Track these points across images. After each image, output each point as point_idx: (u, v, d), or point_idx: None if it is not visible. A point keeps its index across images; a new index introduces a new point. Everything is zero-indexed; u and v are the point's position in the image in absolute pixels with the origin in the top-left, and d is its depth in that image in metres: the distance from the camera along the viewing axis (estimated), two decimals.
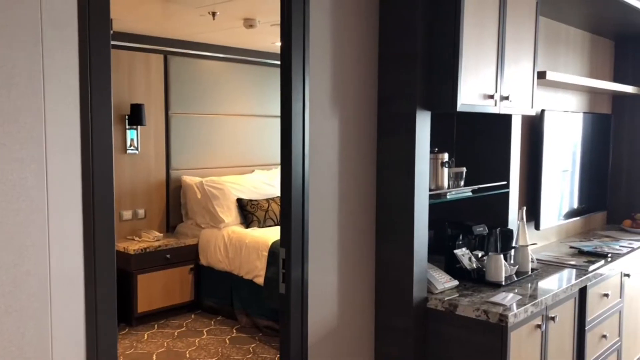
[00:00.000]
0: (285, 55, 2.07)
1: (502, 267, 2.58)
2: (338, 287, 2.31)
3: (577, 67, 3.81)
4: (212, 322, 4.70)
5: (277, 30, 2.07)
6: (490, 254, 2.61)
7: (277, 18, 2.09)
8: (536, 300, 2.37)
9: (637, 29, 3.84)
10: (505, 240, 2.85)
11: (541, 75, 2.93)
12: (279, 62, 2.20)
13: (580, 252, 3.27)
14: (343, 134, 2.28)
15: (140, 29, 4.68)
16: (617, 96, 4.33)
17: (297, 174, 2.12)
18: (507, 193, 2.90)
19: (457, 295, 2.41)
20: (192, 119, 5.29)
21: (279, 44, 2.47)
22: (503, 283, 2.56)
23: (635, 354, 3.53)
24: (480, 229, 2.71)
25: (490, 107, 2.48)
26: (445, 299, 2.36)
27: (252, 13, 4.06)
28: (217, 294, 4.82)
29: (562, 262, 3.02)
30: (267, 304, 4.35)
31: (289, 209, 2.11)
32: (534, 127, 3.31)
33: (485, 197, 2.85)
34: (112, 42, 4.43)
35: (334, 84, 2.23)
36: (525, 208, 2.90)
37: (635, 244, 3.54)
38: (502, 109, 2.55)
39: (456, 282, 2.53)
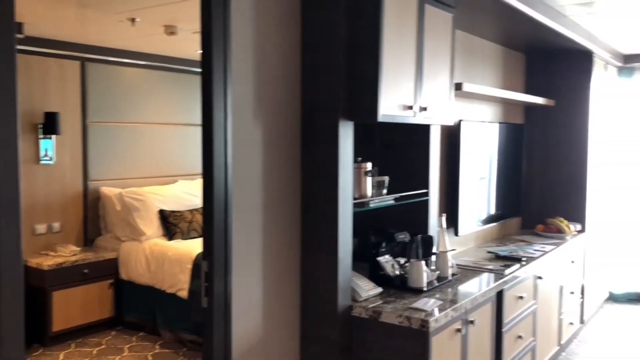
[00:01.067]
0: (206, 63, 2.03)
1: (423, 273, 2.64)
2: (263, 299, 2.28)
3: (492, 79, 3.99)
4: (134, 339, 4.52)
5: (199, 37, 2.03)
6: (412, 260, 2.67)
7: (198, 25, 2.05)
8: (456, 305, 2.44)
9: (546, 43, 4.07)
10: (426, 247, 2.92)
11: (458, 86, 3.04)
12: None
13: (497, 257, 3.41)
14: (267, 143, 2.27)
15: (55, 35, 4.47)
16: (529, 107, 4.57)
17: (220, 185, 2.08)
18: (428, 201, 2.98)
19: (381, 302, 2.44)
20: (111, 127, 5.10)
21: None
22: (425, 289, 2.62)
23: (548, 353, 3.71)
24: (403, 236, 2.77)
25: (410, 118, 2.54)
26: (370, 306, 2.39)
27: (173, 20, 3.97)
28: (139, 309, 4.65)
29: (480, 266, 3.13)
30: (190, 318, 4.23)
31: (211, 220, 2.07)
32: (451, 136, 3.42)
33: (407, 204, 2.91)
34: (23, 48, 4.21)
35: (257, 92, 2.21)
36: (445, 215, 2.99)
37: (547, 247, 3.73)
38: (421, 119, 2.62)
39: (380, 289, 2.56)
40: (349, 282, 2.41)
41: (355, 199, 2.58)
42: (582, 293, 4.39)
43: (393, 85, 2.40)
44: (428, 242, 2.92)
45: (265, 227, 2.27)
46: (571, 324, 4.12)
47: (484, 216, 3.81)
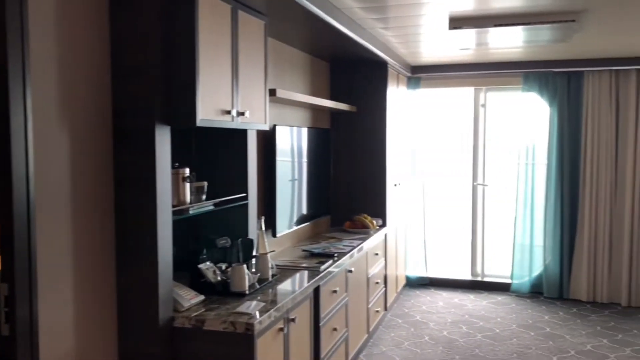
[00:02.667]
0: (1, 65, 1.81)
1: (245, 277, 2.66)
2: (76, 320, 2.10)
3: (301, 86, 4.17)
4: None
5: None
6: (233, 265, 2.68)
7: None
8: (278, 305, 2.51)
9: (347, 53, 4.37)
10: (247, 250, 2.95)
11: (272, 92, 3.12)
12: None
13: (312, 254, 3.57)
14: (75, 150, 2.09)
15: None
16: (334, 112, 4.87)
17: (20, 197, 1.86)
18: (247, 204, 3.01)
19: (204, 310, 2.41)
20: None
21: None
22: (247, 292, 2.65)
23: (359, 341, 3.99)
24: (224, 241, 2.76)
25: (228, 122, 2.55)
26: (192, 315, 2.34)
27: None
28: None
29: (297, 265, 3.26)
30: None
31: (11, 238, 1.84)
32: (267, 140, 3.50)
33: (227, 209, 2.91)
34: None
35: (62, 94, 2.02)
36: (263, 218, 3.05)
37: (355, 242, 4.01)
38: (239, 124, 2.64)
39: (202, 297, 2.52)
40: (170, 293, 2.33)
41: (174, 206, 2.52)
42: (385, 282, 4.80)
43: (210, 89, 2.38)
44: (248, 245, 2.96)
45: (75, 241, 2.09)
46: (377, 311, 4.48)
47: (298, 216, 3.96)
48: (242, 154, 3.01)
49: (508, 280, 5.79)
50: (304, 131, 4.08)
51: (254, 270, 2.89)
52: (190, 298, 2.46)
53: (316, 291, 3.06)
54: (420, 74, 5.72)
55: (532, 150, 5.59)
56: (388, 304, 4.89)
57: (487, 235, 6.06)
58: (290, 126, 3.79)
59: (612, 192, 5.41)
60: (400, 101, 5.41)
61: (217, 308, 2.44)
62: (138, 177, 2.24)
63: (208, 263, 2.72)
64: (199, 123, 2.30)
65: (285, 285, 2.85)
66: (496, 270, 6.06)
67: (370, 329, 4.28)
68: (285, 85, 3.85)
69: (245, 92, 2.69)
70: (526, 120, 5.58)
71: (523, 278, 5.69)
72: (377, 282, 4.50)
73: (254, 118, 2.79)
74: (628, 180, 5.33)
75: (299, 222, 3.97)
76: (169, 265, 2.32)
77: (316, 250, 3.67)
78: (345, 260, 3.56)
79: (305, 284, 2.89)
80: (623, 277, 5.36)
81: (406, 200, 5.74)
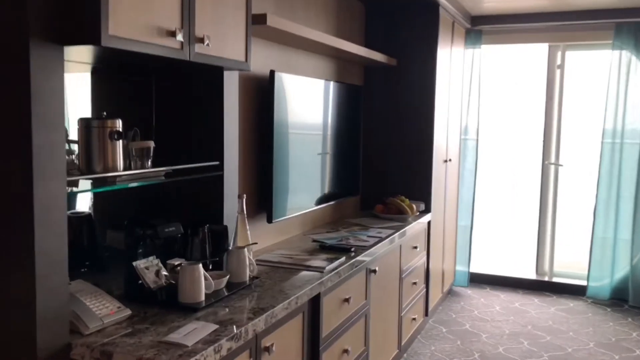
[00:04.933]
0: None
1: (200, 282, 1.81)
2: None
3: (321, 27, 3.24)
4: None
5: None
6: (183, 264, 1.82)
7: None
8: (241, 328, 1.64)
9: None
10: (217, 242, 2.11)
11: (260, 19, 2.22)
12: None
13: (322, 247, 2.69)
14: None
15: None
16: (369, 67, 3.92)
17: None
18: (221, 177, 2.15)
19: (124, 333, 1.58)
20: None
21: None
22: (203, 304, 1.80)
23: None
24: (171, 229, 1.91)
25: (173, 51, 1.68)
26: (101, 342, 1.51)
27: None
28: None
29: (296, 262, 2.38)
30: None
31: None
32: (263, 93, 2.61)
33: (189, 183, 2.07)
34: None
35: None
36: (245, 196, 2.18)
37: (385, 232, 3.09)
38: (193, 55, 1.76)
39: (128, 312, 1.68)
40: (64, 307, 1.51)
41: (92, 172, 1.71)
42: (427, 281, 3.86)
43: None
44: (219, 234, 2.11)
45: None
46: (413, 319, 3.56)
47: (312, 196, 3.07)
48: (215, 107, 2.15)
49: (583, 282, 4.71)
50: (325, 85, 3.15)
51: (224, 270, 2.04)
52: (105, 314, 1.63)
53: (315, 302, 2.18)
54: (482, 25, 4.65)
55: (622, 124, 4.45)
56: (430, 309, 3.95)
57: (559, 225, 4.97)
58: (300, 76, 2.87)
59: None
60: (455, 59, 4.38)
61: (145, 331, 1.60)
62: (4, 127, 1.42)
63: (151, 259, 1.88)
64: (108, 42, 1.44)
65: (266, 294, 1.98)
66: (568, 269, 4.98)
67: (403, 343, 3.36)
68: (298, 22, 2.94)
69: (209, 10, 1.81)
70: (615, 87, 4.44)
71: (603, 280, 4.60)
72: (415, 283, 3.56)
73: (223, 50, 1.90)
74: None
75: (313, 203, 3.08)
76: (61, 265, 1.49)
77: (330, 242, 2.78)
78: (367, 256, 2.66)
79: (297, 293, 2.01)
80: None
81: (458, 181, 4.74)
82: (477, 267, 4.98)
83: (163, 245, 1.97)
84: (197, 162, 2.06)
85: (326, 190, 3.25)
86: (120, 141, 1.79)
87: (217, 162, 2.14)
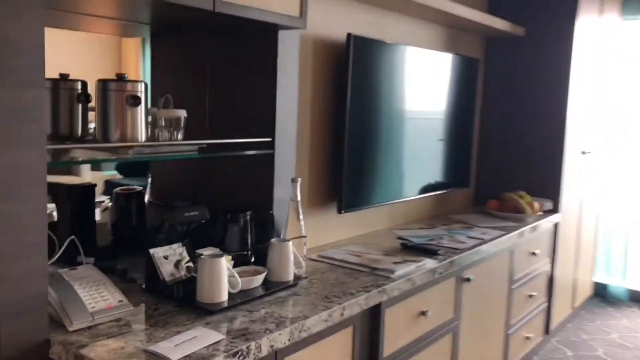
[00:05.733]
0: None
1: (221, 278, 1.51)
2: None
3: None
4: None
5: None
6: (203, 256, 1.53)
7: None
8: (249, 344, 1.32)
9: None
10: (262, 232, 1.80)
11: None
12: None
13: (404, 247, 2.26)
14: None
15: None
16: (491, 38, 3.36)
17: None
18: (272, 157, 1.83)
19: (115, 332, 1.33)
20: None
21: None
22: (223, 306, 1.50)
23: None
24: (193, 213, 1.62)
25: None
26: (80, 342, 1.27)
27: None
28: None
29: (362, 263, 1.99)
30: None
31: None
32: (338, 61, 2.24)
33: (238, 163, 1.80)
34: None
35: None
36: (300, 180, 1.85)
37: (491, 233, 2.57)
38: (218, 4, 1.45)
39: (128, 308, 1.42)
40: (40, 297, 1.28)
41: (106, 141, 1.50)
42: (549, 294, 3.24)
43: None
44: (264, 223, 1.80)
45: None
46: (527, 338, 2.98)
47: (402, 185, 2.64)
48: (268, 75, 1.82)
49: None
50: (430, 56, 2.68)
51: (268, 265, 1.72)
52: (101, 308, 1.38)
53: (374, 314, 1.78)
54: None
55: None
56: (552, 326, 3.32)
57: None
58: (392, 44, 2.45)
59: None
60: (605, 31, 3.62)
61: (140, 333, 1.34)
62: None
63: (175, 247, 1.62)
64: None
65: (306, 299, 1.63)
66: None
67: None
68: None
69: None
70: None
71: None
72: (532, 296, 2.98)
73: (265, 1, 1.57)
74: None
75: (406, 193, 2.65)
76: (38, 249, 1.27)
77: (416, 240, 2.35)
78: (459, 261, 2.19)
79: (345, 301, 1.63)
80: None
81: (599, 177, 3.97)
82: (621, 280, 4.16)
83: (196, 233, 1.70)
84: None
85: (424, 180, 2.79)
86: (137, 107, 1.54)
87: (269, 139, 1.82)
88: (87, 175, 2.07)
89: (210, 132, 1.94)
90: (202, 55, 1.97)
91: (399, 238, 2.39)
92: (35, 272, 1.26)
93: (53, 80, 1.59)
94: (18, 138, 1.20)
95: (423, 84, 2.66)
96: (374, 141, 2.38)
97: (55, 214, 1.86)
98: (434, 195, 2.91)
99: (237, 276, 1.56)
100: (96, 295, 1.42)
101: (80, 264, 1.79)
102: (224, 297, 1.52)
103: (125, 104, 1.52)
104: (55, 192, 1.86)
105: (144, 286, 1.61)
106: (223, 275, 1.51)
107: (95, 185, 1.92)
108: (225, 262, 1.52)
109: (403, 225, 2.72)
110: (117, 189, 2.04)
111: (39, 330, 1.28)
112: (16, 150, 1.20)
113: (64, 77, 1.62)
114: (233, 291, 1.55)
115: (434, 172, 2.84)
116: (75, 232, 1.81)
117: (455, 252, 2.22)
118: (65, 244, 1.64)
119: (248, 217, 1.76)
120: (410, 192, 2.67)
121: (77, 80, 1.62)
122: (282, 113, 1.84)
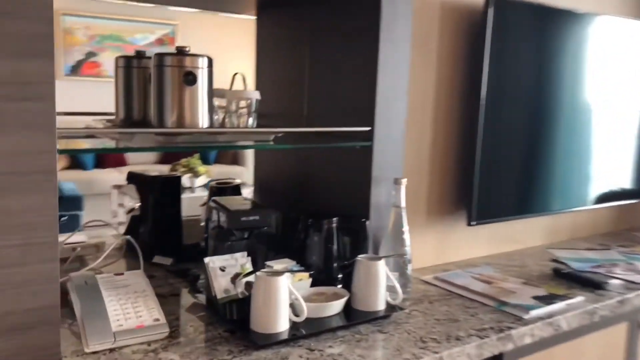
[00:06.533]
0: None
1: (280, 303, 1.18)
2: None
3: None
4: None
5: None
6: (259, 272, 1.21)
7: None
8: None
9: None
10: (352, 245, 1.44)
11: None
12: None
13: (557, 273, 1.72)
14: None
15: None
16: None
17: None
18: (370, 150, 1.45)
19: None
20: None
21: None
22: (278, 339, 1.17)
23: None
24: (253, 218, 1.31)
25: None
26: None
27: None
28: None
29: (488, 293, 1.51)
30: None
31: None
32: (474, 36, 1.76)
33: (324, 156, 1.47)
34: None
35: None
36: (404, 180, 1.45)
37: None
38: None
39: (164, 330, 1.17)
40: (52, 312, 1.07)
41: (160, 126, 1.27)
42: None
43: None
44: (354, 234, 1.44)
45: None
46: None
47: (562, 193, 2.05)
48: (369, 52, 1.45)
49: None
50: (598, 21, 2.06)
51: (352, 289, 1.35)
52: (129, 328, 1.14)
53: None
54: None
55: None
56: None
57: None
58: (553, 8, 1.89)
59: None
60: None
61: None
62: None
63: (238, 256, 1.33)
64: None
65: (395, 339, 1.23)
66: None
67: None
68: None
69: None
70: None
71: None
72: None
73: None
74: None
75: (568, 203, 2.07)
76: (50, 251, 1.06)
77: (574, 266, 1.78)
78: (638, 300, 1.59)
79: (445, 349, 1.19)
80: None
81: None
82: None
83: (272, 241, 1.40)
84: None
85: (602, 185, 2.16)
86: (196, 87, 1.28)
87: (367, 128, 1.45)
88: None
89: (306, 123, 1.63)
90: (301, 34, 1.67)
91: (554, 260, 1.84)
92: (44, 280, 1.06)
93: (126, 58, 1.41)
94: (20, 119, 0.99)
95: (600, 61, 2.04)
96: (524, 135, 1.85)
97: (137, 206, 1.70)
98: (614, 205, 2.26)
99: (301, 301, 1.21)
100: (130, 310, 1.19)
101: (156, 264, 1.61)
102: (283, 326, 1.19)
103: (180, 82, 1.28)
104: (140, 184, 1.71)
105: (205, 302, 1.36)
106: (281, 298, 1.18)
107: (180, 176, 1.73)
108: (286, 282, 1.19)
109: (565, 242, 2.14)
110: (213, 182, 1.83)
111: (47, 349, 1.07)
112: (18, 133, 0.99)
113: (140, 54, 1.43)
114: (297, 319, 1.21)
115: (617, 175, 2.19)
116: (157, 228, 1.64)
117: (631, 286, 1.62)
118: (113, 245, 1.45)
119: (334, 225, 1.42)
120: (579, 200, 2.07)
121: (149, 57, 1.39)
122: (386, 96, 1.45)
